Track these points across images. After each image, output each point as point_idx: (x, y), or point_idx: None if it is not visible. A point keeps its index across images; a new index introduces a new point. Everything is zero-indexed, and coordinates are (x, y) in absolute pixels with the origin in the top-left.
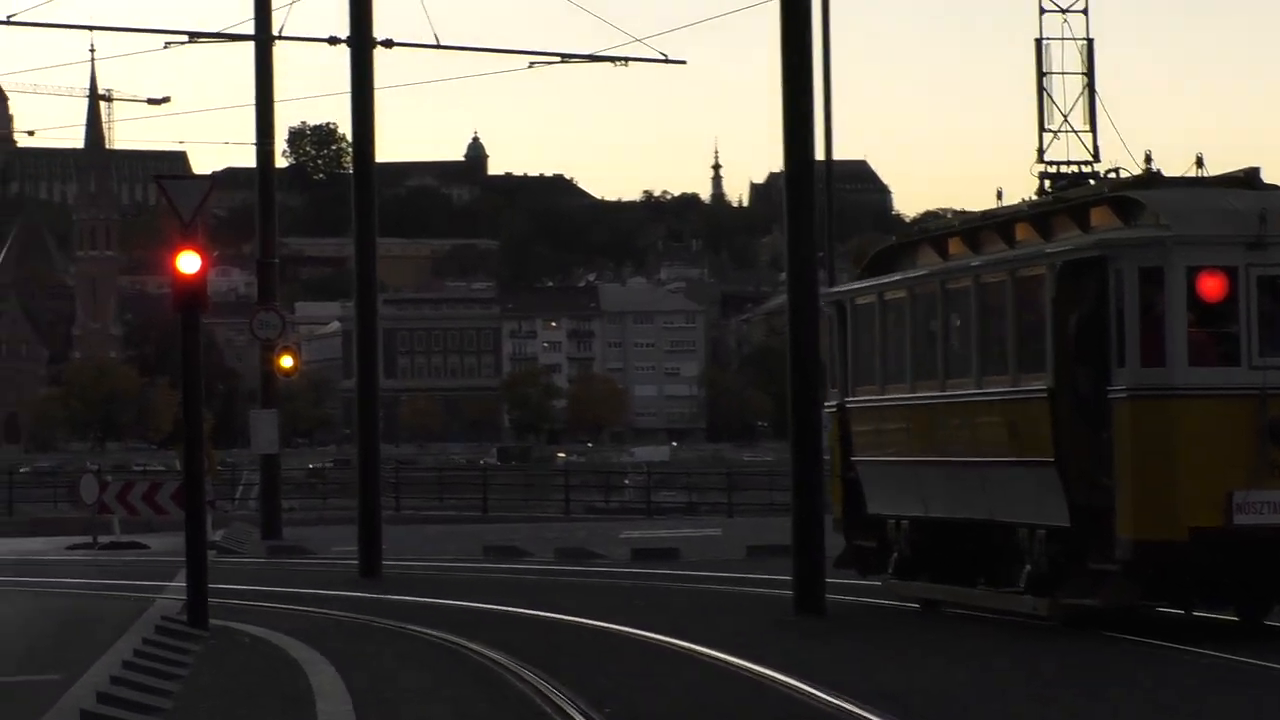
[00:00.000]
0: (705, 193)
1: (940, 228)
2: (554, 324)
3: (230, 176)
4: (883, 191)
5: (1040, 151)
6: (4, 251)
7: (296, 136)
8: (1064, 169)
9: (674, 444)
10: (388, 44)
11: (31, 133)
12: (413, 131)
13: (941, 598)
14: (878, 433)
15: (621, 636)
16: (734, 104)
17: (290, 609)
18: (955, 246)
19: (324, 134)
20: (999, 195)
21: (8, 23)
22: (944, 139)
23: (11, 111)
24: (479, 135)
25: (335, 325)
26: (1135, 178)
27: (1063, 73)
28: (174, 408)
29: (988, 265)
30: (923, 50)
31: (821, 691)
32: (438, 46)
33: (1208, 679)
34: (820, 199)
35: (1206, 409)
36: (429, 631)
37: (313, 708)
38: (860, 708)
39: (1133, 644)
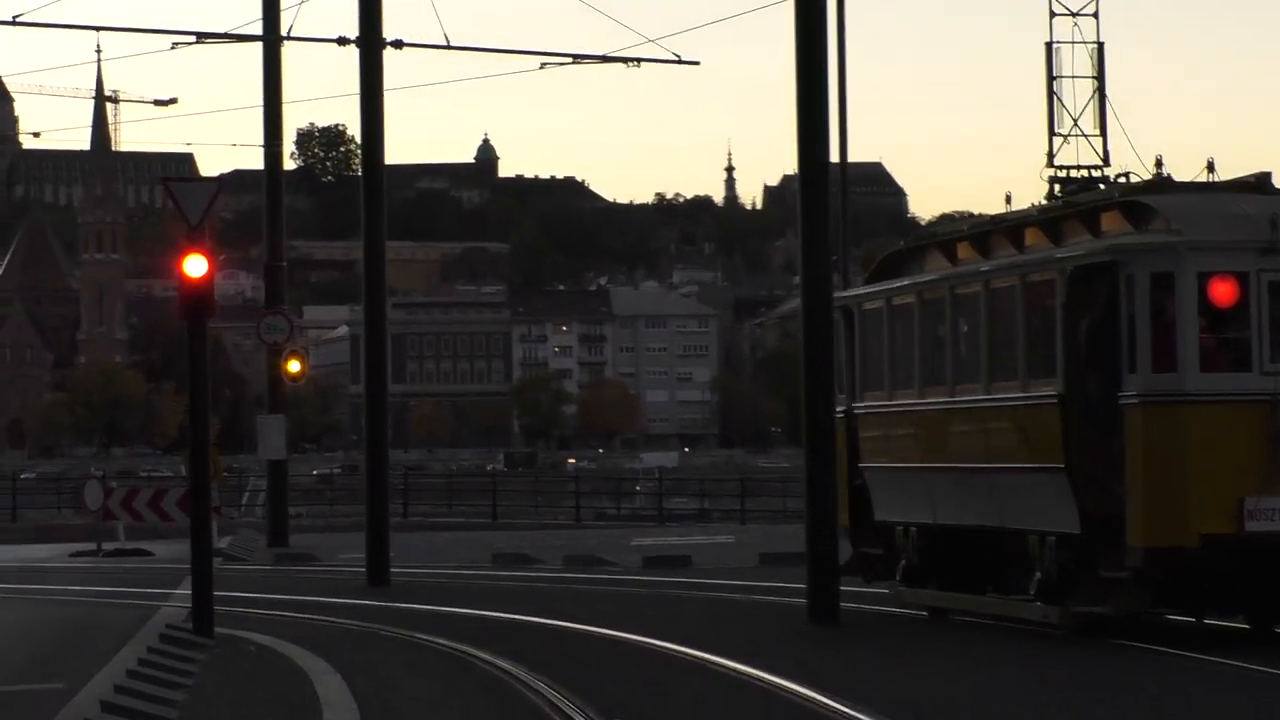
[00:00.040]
0: (718, 195)
1: (948, 232)
2: (565, 328)
3: (238, 179)
4: (898, 194)
5: (1050, 155)
6: (9, 255)
7: (305, 138)
8: (1074, 173)
9: (686, 449)
10: (397, 44)
11: (37, 134)
12: (422, 133)
13: (950, 605)
14: (885, 439)
15: (632, 645)
16: (747, 105)
17: (296, 617)
18: (964, 251)
19: (333, 136)
20: (1008, 199)
21: (13, 23)
22: (961, 141)
23: (17, 113)
24: (489, 137)
25: (343, 329)
26: (1146, 182)
27: (1073, 76)
28: (180, 413)
29: (997, 270)
30: (939, 51)
31: (834, 701)
32: (448, 47)
33: (1218, 686)
34: (835, 202)
35: (1218, 415)
36: (437, 640)
37: (319, 717)
38: (874, 719)
39: (1142, 652)
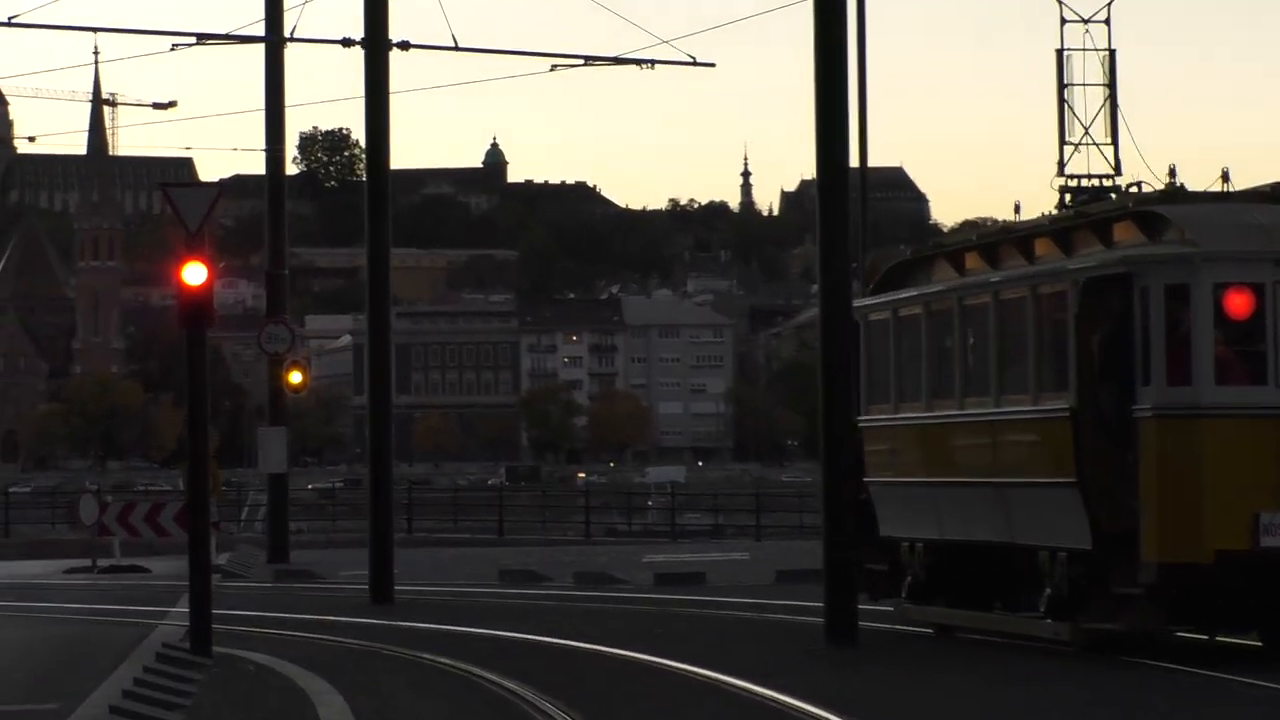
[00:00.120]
0: (734, 201)
1: (956, 242)
2: (575, 338)
3: (239, 184)
4: (920, 200)
5: (1061, 164)
6: (3, 262)
7: (308, 142)
8: (1085, 183)
9: (700, 463)
10: (404, 46)
11: (32, 139)
12: (429, 137)
13: (959, 623)
14: (892, 453)
15: (643, 665)
16: (764, 108)
17: (297, 636)
18: (972, 261)
19: (336, 140)
20: (1016, 209)
21: (8, 24)
22: (984, 146)
23: (12, 117)
24: (498, 141)
25: (347, 339)
26: (1159, 192)
27: (1084, 84)
28: (178, 425)
29: (1008, 281)
30: (962, 53)
31: None
32: (455, 48)
33: (1229, 704)
34: (854, 207)
35: (1233, 429)
36: (442, 660)
37: None
38: None
39: (1152, 669)
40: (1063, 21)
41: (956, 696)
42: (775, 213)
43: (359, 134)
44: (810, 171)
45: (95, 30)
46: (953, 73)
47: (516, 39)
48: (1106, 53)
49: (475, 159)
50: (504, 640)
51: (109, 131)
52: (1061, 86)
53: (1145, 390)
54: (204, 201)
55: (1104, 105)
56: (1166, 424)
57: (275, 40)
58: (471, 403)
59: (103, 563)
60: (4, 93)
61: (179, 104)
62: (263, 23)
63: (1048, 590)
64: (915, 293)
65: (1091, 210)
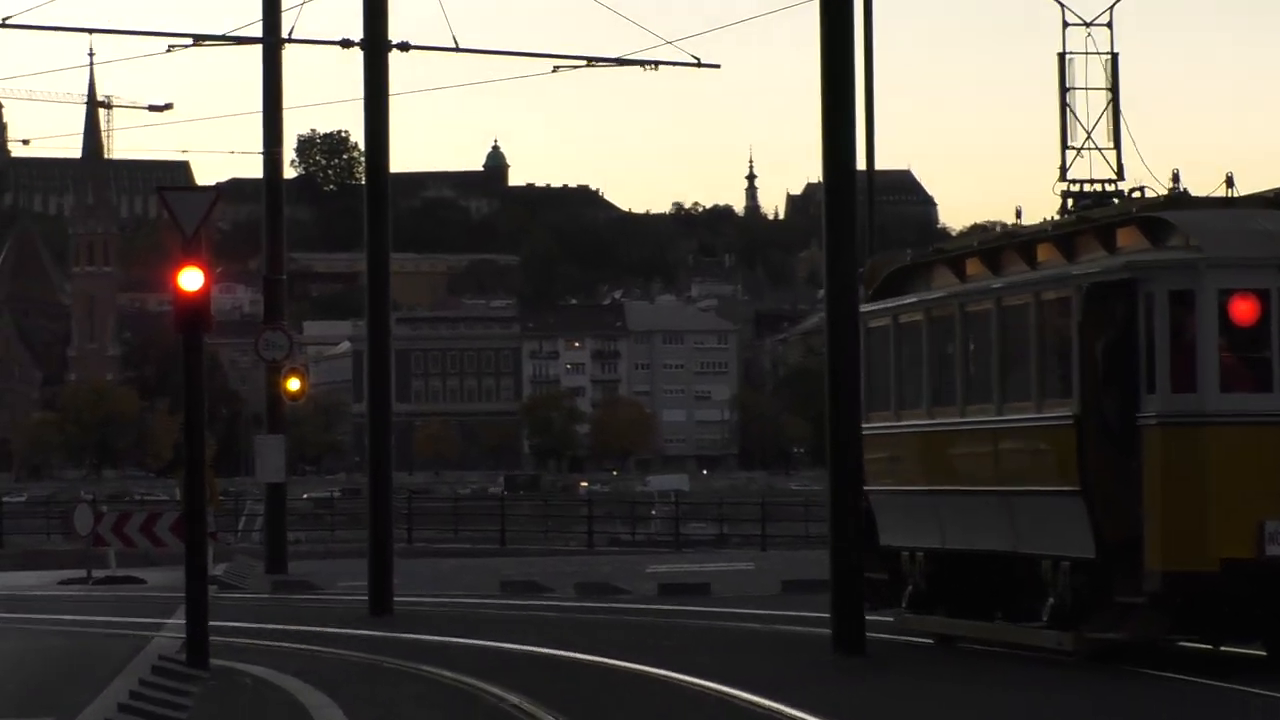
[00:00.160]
0: (739, 204)
1: (956, 248)
2: (578, 344)
3: (236, 188)
4: (928, 203)
5: (1063, 169)
6: None
7: (306, 145)
8: (1087, 187)
9: (704, 471)
10: (403, 47)
11: (27, 141)
12: (429, 139)
13: (961, 633)
14: (892, 460)
15: (648, 678)
16: (770, 110)
17: (296, 648)
18: (973, 267)
19: (335, 142)
20: (1018, 214)
21: (2, 26)
22: (993, 149)
23: (6, 119)
24: (499, 143)
25: (346, 346)
26: (1163, 198)
27: (1086, 88)
28: (174, 433)
29: (1010, 287)
30: (973, 55)
31: None
32: (456, 49)
33: (1233, 714)
34: (862, 211)
35: (1239, 436)
36: (443, 672)
37: None
38: None
39: (1156, 679)
40: (1065, 24)
41: (969, 709)
42: (781, 216)
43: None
44: (816, 174)
45: (90, 31)
46: (962, 75)
47: (518, 39)
48: (1109, 56)
49: (476, 162)
50: (506, 652)
51: (104, 134)
52: (1063, 90)
53: (1150, 398)
54: (201, 205)
55: (1106, 109)
56: (1171, 431)
57: (273, 41)
58: (472, 410)
59: (98, 574)
60: None
61: (175, 106)
62: (260, 23)
63: (1050, 599)
64: (916, 299)
65: (1095, 215)
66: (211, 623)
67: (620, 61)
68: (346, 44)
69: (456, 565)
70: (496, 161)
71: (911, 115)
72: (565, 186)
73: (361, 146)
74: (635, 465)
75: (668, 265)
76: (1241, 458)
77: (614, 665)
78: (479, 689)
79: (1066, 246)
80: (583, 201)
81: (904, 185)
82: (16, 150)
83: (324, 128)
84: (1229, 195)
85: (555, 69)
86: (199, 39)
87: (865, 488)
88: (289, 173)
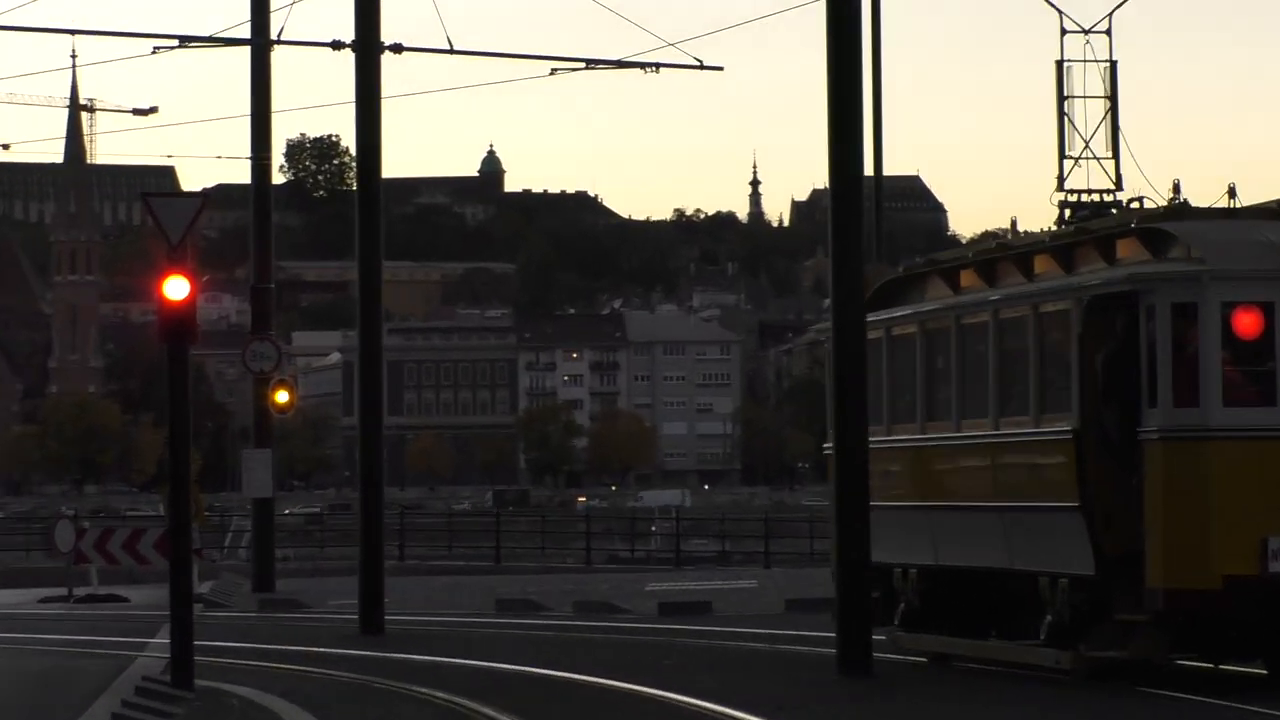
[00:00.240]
0: (742, 211)
1: (951, 259)
2: (575, 355)
3: (223, 194)
4: (937, 210)
5: (1060, 179)
6: None
7: (295, 150)
8: (1085, 198)
9: (705, 486)
10: (396, 49)
11: (7, 146)
12: (423, 144)
13: (956, 651)
14: (884, 476)
15: (647, 699)
16: (774, 113)
17: (283, 668)
18: (968, 279)
19: (325, 147)
20: (1013, 224)
21: None
22: (1003, 155)
23: None
24: (495, 148)
25: (336, 357)
26: (1164, 208)
27: (1084, 96)
28: (159, 447)
29: (1008, 299)
30: (982, 59)
31: None
32: (451, 51)
33: None
34: (869, 217)
35: (1242, 451)
36: (436, 694)
37: None
38: None
39: (1156, 698)
40: (1063, 32)
41: None
42: (785, 223)
43: (349, 141)
44: (822, 180)
45: (73, 32)
46: (969, 80)
47: (514, 41)
48: (1107, 64)
49: (471, 167)
50: (500, 673)
51: (87, 139)
52: (1061, 99)
53: (1151, 411)
54: (187, 212)
55: (1105, 118)
56: (1173, 446)
57: (261, 43)
58: (467, 423)
59: (79, 592)
60: None
61: (160, 110)
62: (248, 24)
63: (1049, 617)
64: (910, 311)
65: (1094, 226)
66: (197, 642)
67: (620, 64)
68: (337, 45)
69: (450, 583)
70: (492, 167)
71: (921, 120)
72: (563, 192)
73: (353, 151)
74: (635, 480)
75: (669, 273)
76: (1244, 473)
77: (611, 686)
78: (472, 710)
79: (1065, 258)
80: (581, 208)
81: (913, 191)
82: None
83: (314, 132)
84: (1231, 206)
85: (553, 71)
86: (185, 40)
87: None
88: (278, 178)
